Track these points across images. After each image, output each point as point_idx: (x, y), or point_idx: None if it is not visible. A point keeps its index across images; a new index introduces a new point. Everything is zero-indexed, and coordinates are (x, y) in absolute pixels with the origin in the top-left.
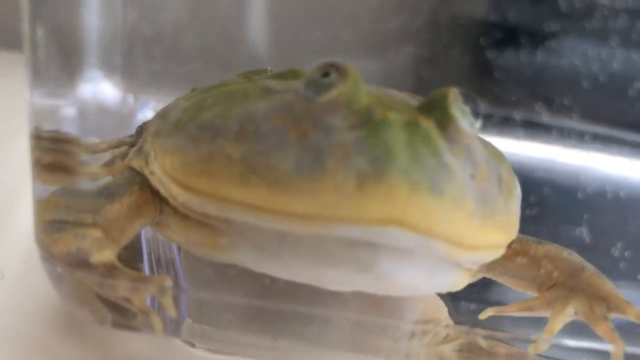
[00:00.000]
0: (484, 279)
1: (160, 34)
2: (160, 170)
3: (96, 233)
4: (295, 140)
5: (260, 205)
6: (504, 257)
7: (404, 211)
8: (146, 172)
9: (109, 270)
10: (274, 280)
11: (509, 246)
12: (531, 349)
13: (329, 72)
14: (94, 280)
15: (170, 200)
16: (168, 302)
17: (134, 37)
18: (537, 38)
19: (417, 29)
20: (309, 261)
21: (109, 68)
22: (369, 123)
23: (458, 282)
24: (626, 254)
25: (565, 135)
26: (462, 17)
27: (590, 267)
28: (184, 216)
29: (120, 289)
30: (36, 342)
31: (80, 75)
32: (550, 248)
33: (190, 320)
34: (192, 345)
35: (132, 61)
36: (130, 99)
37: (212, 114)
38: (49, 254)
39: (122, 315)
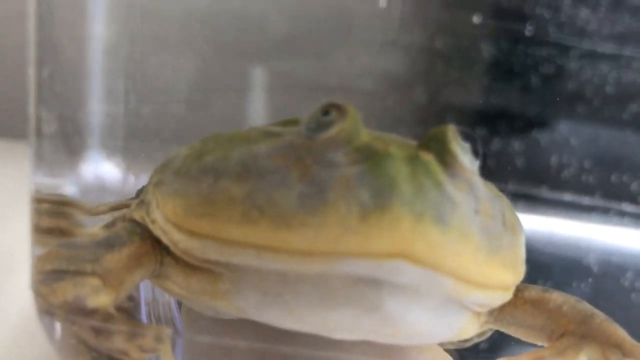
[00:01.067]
0: (492, 334)
1: (162, 115)
2: (162, 218)
3: (94, 281)
4: (297, 177)
5: (262, 244)
6: (512, 305)
7: (409, 243)
8: (147, 221)
9: (105, 317)
10: (276, 330)
11: (516, 294)
12: None
13: (329, 111)
14: (91, 330)
15: (172, 248)
16: (166, 350)
17: (135, 120)
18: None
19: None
20: (313, 303)
21: (110, 149)
22: (370, 157)
23: (466, 328)
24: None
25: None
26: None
27: (600, 314)
28: (185, 265)
29: (117, 339)
30: None
31: (82, 156)
32: (558, 295)
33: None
34: None
35: (133, 142)
36: (132, 178)
37: (214, 157)
38: (47, 305)
39: None
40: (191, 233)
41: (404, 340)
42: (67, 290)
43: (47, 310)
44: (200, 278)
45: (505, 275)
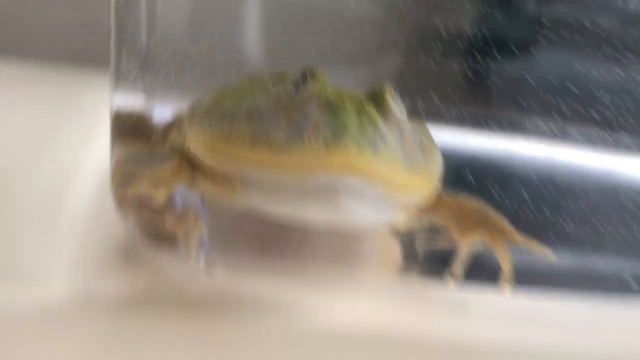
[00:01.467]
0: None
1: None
2: (194, 145)
3: (151, 183)
4: (284, 121)
5: (261, 163)
6: (435, 206)
7: (356, 163)
8: (185, 147)
9: (161, 207)
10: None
11: (439, 198)
12: (447, 278)
13: (306, 74)
14: (151, 216)
15: (201, 162)
16: (196, 233)
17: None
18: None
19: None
20: (295, 200)
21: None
22: (332, 109)
23: (399, 218)
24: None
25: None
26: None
27: (495, 213)
28: (211, 175)
29: (169, 221)
30: (100, 263)
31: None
32: (465, 198)
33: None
34: (213, 274)
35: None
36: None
37: (229, 105)
38: (122, 196)
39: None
40: (214, 156)
41: (356, 225)
42: (135, 188)
43: (121, 200)
44: (222, 184)
45: (421, 185)
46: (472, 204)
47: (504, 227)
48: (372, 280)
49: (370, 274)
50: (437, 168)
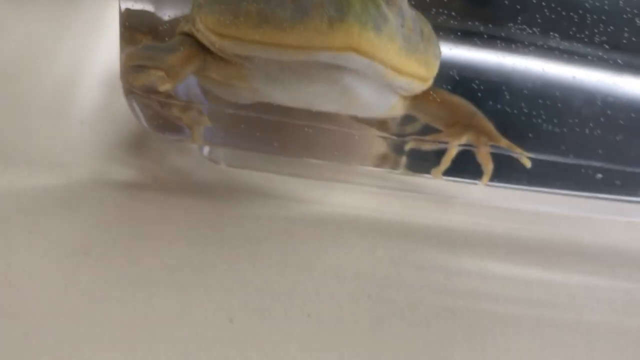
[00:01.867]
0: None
1: None
2: (204, 28)
3: (161, 73)
4: (290, 1)
5: (268, 41)
6: (426, 100)
7: (357, 41)
8: (193, 31)
9: (168, 96)
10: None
11: (430, 94)
12: (433, 173)
13: None
14: (159, 104)
15: (211, 48)
16: (200, 124)
17: None
18: None
19: None
20: (300, 80)
21: None
22: None
23: (396, 106)
24: None
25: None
26: None
27: (482, 114)
28: (220, 60)
29: (174, 109)
30: (113, 151)
31: None
32: (458, 99)
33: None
34: (217, 162)
35: None
36: None
37: None
38: (131, 87)
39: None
40: (223, 36)
41: (356, 109)
42: (144, 78)
43: (130, 91)
44: (230, 68)
45: (419, 69)
46: (462, 103)
47: (490, 129)
48: (364, 173)
49: (363, 168)
50: (435, 57)
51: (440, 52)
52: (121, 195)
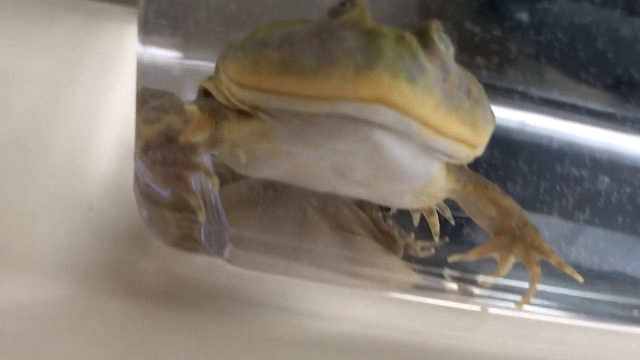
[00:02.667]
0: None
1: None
2: (225, 78)
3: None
4: (316, 46)
5: (290, 92)
6: (476, 195)
7: (386, 93)
8: (216, 84)
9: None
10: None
11: (483, 191)
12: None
13: (345, 3)
14: (170, 160)
15: (232, 100)
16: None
17: None
18: None
19: None
20: (325, 135)
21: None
22: (367, 34)
23: (436, 177)
24: None
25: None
26: None
27: (531, 224)
28: (239, 117)
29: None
30: (114, 259)
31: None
32: (512, 203)
33: (231, 246)
34: (230, 262)
35: None
36: None
37: (262, 34)
38: (145, 143)
39: (186, 239)
40: (244, 86)
41: (389, 176)
42: (163, 124)
43: (143, 198)
44: (251, 125)
45: (463, 130)
46: (516, 209)
47: (540, 243)
48: (383, 281)
49: (383, 275)
50: (485, 120)
51: (493, 118)
52: (126, 309)
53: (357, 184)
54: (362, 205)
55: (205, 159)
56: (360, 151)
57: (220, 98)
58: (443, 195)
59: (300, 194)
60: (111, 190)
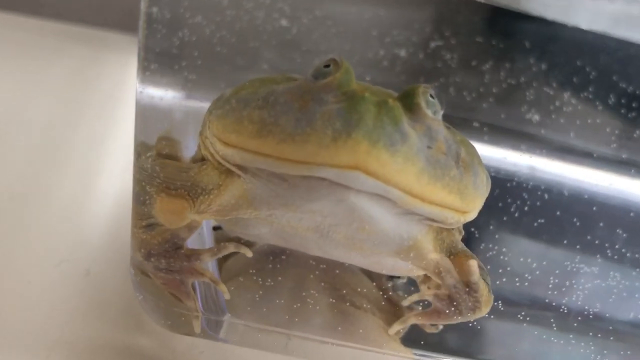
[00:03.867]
0: None
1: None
2: (210, 134)
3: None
4: (297, 108)
5: (269, 153)
6: (458, 268)
7: (365, 160)
8: (202, 138)
9: (195, 255)
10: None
11: (467, 259)
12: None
13: (330, 64)
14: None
15: (215, 156)
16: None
17: None
18: None
19: None
20: (303, 197)
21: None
22: (350, 98)
23: (420, 242)
24: None
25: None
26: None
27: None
28: (218, 179)
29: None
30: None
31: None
32: (481, 283)
33: (228, 324)
34: (226, 341)
35: None
36: None
37: (247, 92)
38: (145, 251)
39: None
40: (226, 144)
41: (369, 238)
42: (163, 233)
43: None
44: (228, 189)
45: (449, 198)
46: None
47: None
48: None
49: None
50: (475, 186)
51: (488, 182)
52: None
53: (344, 247)
54: (370, 273)
55: (210, 266)
56: (339, 213)
57: (204, 152)
58: (433, 262)
59: (301, 265)
60: (109, 252)
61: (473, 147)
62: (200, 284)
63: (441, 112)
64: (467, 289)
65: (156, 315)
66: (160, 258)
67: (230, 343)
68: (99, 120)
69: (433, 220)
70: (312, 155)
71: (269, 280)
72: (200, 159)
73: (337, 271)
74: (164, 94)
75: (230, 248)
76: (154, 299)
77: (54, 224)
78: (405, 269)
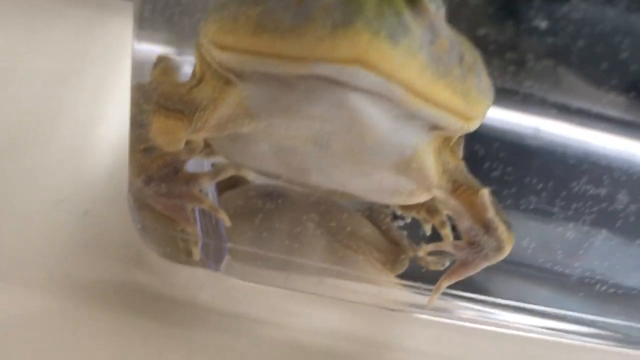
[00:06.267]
0: None
1: None
2: (206, 40)
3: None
4: (295, 2)
5: (266, 52)
6: (459, 196)
7: (365, 53)
8: (199, 49)
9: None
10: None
11: (471, 195)
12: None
13: None
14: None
15: (212, 63)
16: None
17: None
18: None
19: None
20: (302, 99)
21: None
22: None
23: (420, 155)
24: None
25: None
26: None
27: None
28: (212, 94)
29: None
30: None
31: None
32: (494, 216)
33: (229, 258)
34: (227, 275)
35: None
36: None
37: None
38: (145, 176)
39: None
40: (222, 47)
41: (369, 146)
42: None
43: (138, 209)
44: (226, 101)
45: (453, 99)
46: (501, 224)
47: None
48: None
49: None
50: (480, 91)
51: (490, 90)
52: (117, 322)
53: (344, 162)
54: (371, 214)
55: (210, 195)
56: (338, 118)
57: (199, 65)
58: (432, 185)
59: (298, 208)
60: (108, 194)
61: (476, 52)
62: (201, 215)
63: (443, 8)
64: (485, 229)
65: (155, 245)
66: (161, 183)
67: (230, 276)
68: (101, 73)
69: (435, 125)
70: (309, 50)
71: (265, 226)
72: (195, 79)
73: (335, 214)
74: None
75: (230, 171)
76: (152, 225)
77: (53, 167)
78: (408, 191)
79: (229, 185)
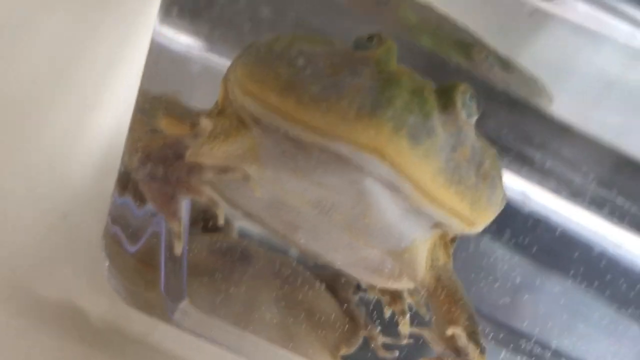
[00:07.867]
0: None
1: None
2: (233, 76)
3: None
4: (328, 74)
5: (288, 113)
6: (435, 291)
7: (384, 145)
8: (225, 82)
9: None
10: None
11: (443, 290)
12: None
13: (374, 38)
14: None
15: (233, 101)
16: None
17: None
18: None
19: None
20: (313, 167)
21: None
22: (385, 79)
23: (417, 246)
24: None
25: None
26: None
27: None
28: (229, 129)
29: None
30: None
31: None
32: (470, 324)
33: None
34: (179, 325)
35: None
36: None
37: (280, 45)
38: (144, 154)
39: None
40: (245, 91)
41: (370, 227)
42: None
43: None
44: (239, 140)
45: (460, 206)
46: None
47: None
48: None
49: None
50: (489, 200)
51: (503, 199)
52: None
53: (338, 231)
54: (336, 285)
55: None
56: (347, 193)
57: (222, 98)
58: (417, 277)
59: (264, 271)
60: (90, 202)
61: (498, 163)
62: (166, 258)
63: (475, 117)
64: (456, 354)
65: (121, 292)
66: (159, 164)
67: (182, 327)
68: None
69: (439, 224)
70: (332, 127)
71: (223, 287)
72: (217, 109)
73: (298, 285)
74: (183, 39)
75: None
76: (120, 276)
77: (39, 165)
78: (387, 274)
79: (203, 225)
